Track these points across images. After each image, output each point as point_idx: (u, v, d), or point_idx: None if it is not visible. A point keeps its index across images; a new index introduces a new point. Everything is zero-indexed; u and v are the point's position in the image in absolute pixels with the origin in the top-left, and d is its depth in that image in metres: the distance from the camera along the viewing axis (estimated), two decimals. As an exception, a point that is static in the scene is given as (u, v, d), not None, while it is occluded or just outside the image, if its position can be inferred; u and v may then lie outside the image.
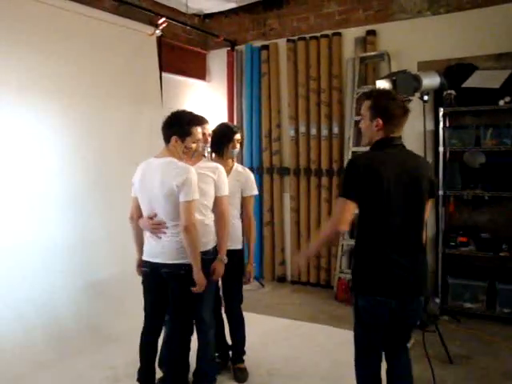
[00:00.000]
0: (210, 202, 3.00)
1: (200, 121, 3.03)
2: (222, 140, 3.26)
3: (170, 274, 2.78)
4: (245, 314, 3.48)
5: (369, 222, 2.31)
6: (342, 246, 5.17)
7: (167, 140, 2.80)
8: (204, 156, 3.20)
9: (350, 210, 2.24)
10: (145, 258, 2.89)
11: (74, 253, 4.03)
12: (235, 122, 5.92)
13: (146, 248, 2.90)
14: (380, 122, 2.31)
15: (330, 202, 5.41)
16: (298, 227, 5.66)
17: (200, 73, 6.09)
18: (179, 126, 2.78)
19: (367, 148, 2.48)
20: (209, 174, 2.98)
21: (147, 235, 2.88)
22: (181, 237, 2.74)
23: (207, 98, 6.14)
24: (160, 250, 2.79)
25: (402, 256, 2.28)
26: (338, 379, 3.35)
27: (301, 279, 5.66)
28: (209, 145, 3.18)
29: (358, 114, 5.08)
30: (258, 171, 5.83)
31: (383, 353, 2.46)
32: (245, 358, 3.45)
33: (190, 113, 2.90)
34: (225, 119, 5.88)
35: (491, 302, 4.36)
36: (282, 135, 5.75)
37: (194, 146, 2.82)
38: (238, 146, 3.33)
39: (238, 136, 3.33)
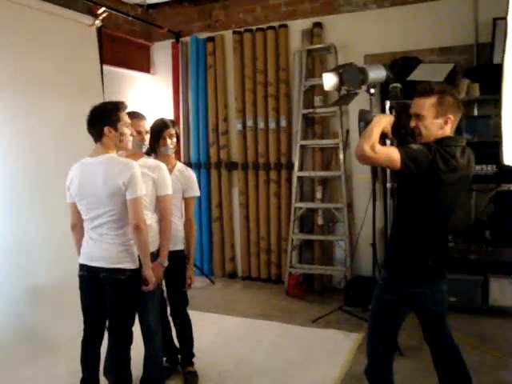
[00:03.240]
0: (149, 203, 2.84)
1: (135, 115, 2.87)
2: (152, 137, 3.04)
3: (110, 279, 2.63)
4: (195, 313, 3.40)
5: (420, 216, 2.29)
6: (292, 240, 5.14)
7: (99, 135, 2.63)
8: (147, 154, 3.04)
9: (392, 160, 2.13)
10: (82, 261, 2.72)
11: (11, 256, 3.80)
12: (181, 116, 5.79)
13: (84, 251, 2.72)
14: (452, 118, 2.25)
15: (278, 196, 5.36)
16: (247, 222, 5.58)
17: (144, 65, 5.90)
18: (107, 114, 2.62)
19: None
20: (148, 173, 2.81)
21: (86, 237, 2.71)
22: (124, 239, 2.61)
23: (152, 91, 5.96)
24: (100, 253, 2.62)
25: None
26: (290, 379, 3.30)
27: (251, 275, 5.59)
28: (146, 142, 2.95)
29: (305, 106, 5.07)
30: (206, 166, 5.71)
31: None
32: (194, 360, 3.35)
33: (110, 101, 2.75)
34: (170, 113, 5.73)
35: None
36: (230, 129, 5.65)
37: (127, 130, 2.67)
38: (169, 141, 3.11)
39: (170, 131, 3.12)
